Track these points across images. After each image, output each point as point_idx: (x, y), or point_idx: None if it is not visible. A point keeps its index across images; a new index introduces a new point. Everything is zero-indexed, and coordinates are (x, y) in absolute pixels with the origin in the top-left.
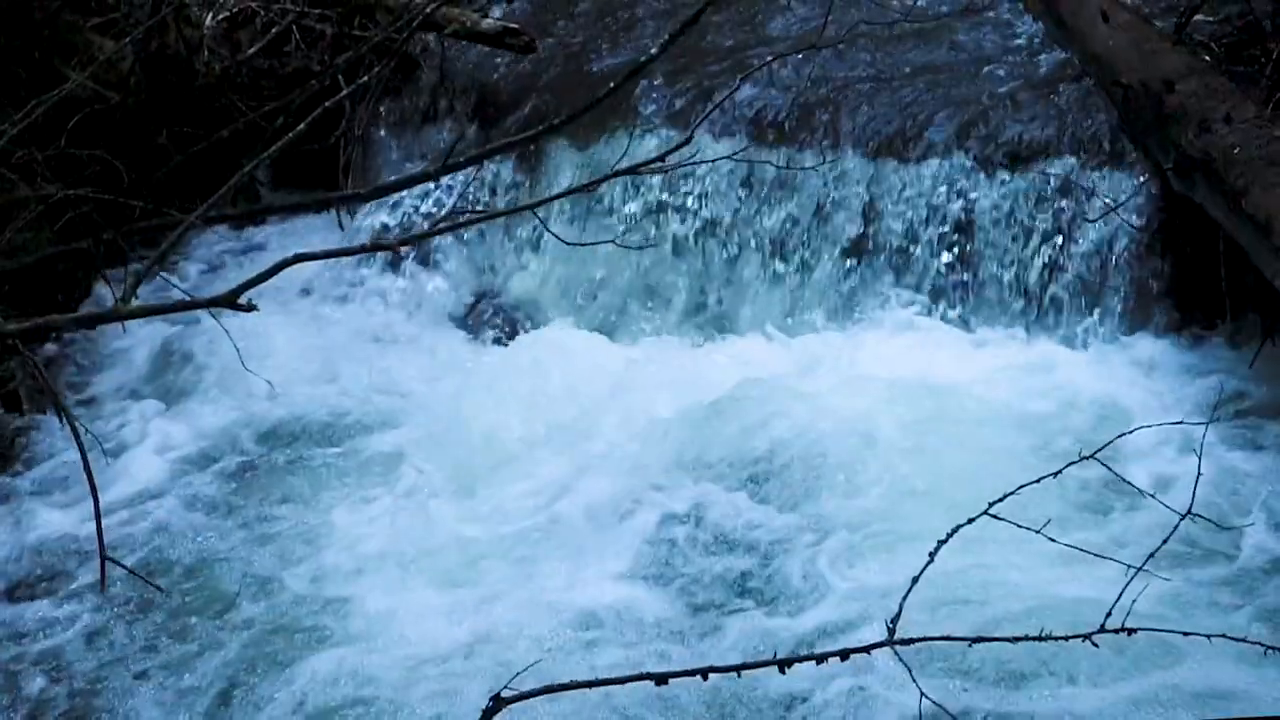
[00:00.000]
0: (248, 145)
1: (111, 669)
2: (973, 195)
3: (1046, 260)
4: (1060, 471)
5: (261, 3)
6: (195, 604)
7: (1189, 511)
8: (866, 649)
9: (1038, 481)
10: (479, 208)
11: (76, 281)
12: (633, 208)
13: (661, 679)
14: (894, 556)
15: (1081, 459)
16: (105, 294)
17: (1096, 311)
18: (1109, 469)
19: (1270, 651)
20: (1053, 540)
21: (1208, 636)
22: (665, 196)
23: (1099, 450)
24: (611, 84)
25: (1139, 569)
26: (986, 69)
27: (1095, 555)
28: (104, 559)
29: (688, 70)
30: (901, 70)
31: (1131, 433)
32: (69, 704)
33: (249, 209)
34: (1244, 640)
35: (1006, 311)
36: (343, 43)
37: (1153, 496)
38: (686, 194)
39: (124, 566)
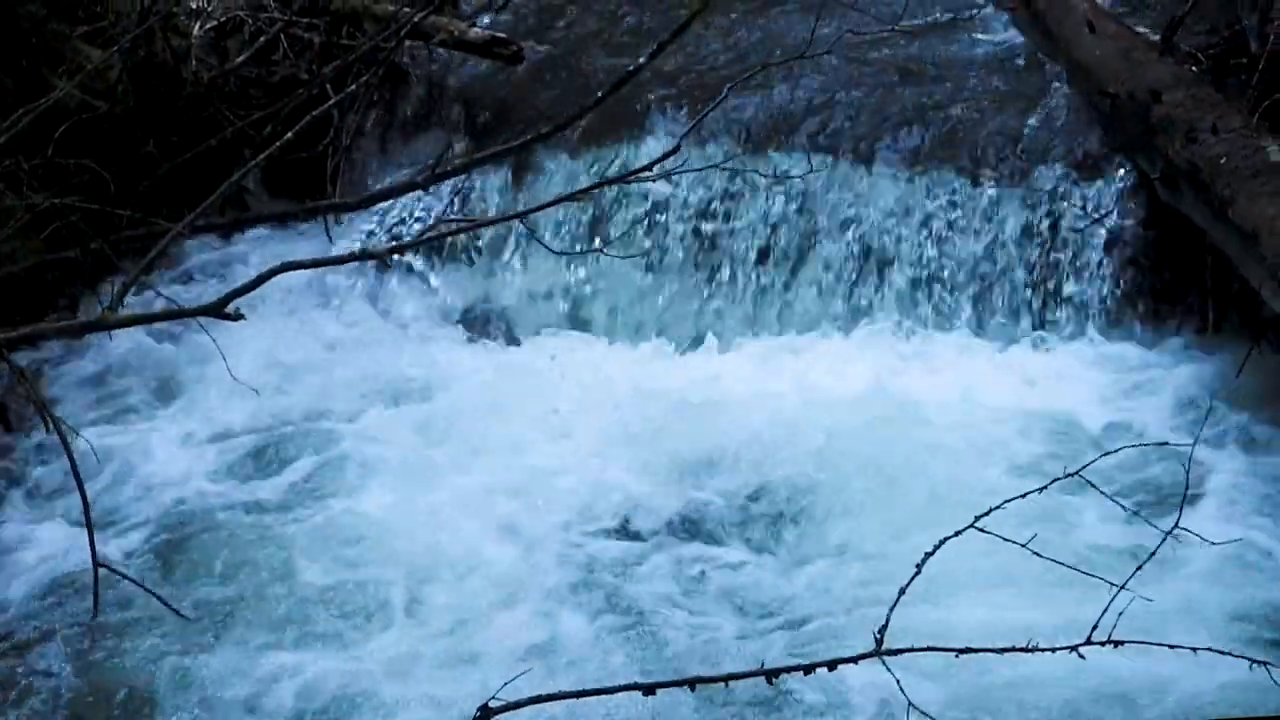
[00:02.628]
0: (236, 154)
1: (105, 677)
2: (958, 204)
3: (1032, 269)
4: (1047, 487)
5: (250, 12)
6: (188, 611)
7: (1175, 525)
8: (854, 659)
9: (1023, 496)
10: (468, 216)
11: (64, 291)
12: (621, 216)
13: (649, 689)
14: (880, 568)
15: (1067, 475)
16: (93, 303)
17: (1082, 321)
18: (1095, 487)
19: (1256, 666)
20: (1038, 555)
21: (1193, 650)
22: (653, 205)
23: (1085, 466)
24: (600, 92)
25: (1124, 584)
26: (973, 79)
27: (1081, 571)
28: (96, 565)
29: (676, 79)
30: (888, 79)
31: (1117, 451)
32: (63, 713)
33: (237, 217)
34: (1230, 654)
35: (991, 321)
36: (331, 51)
37: (1137, 514)
38: (674, 202)
39: (118, 572)
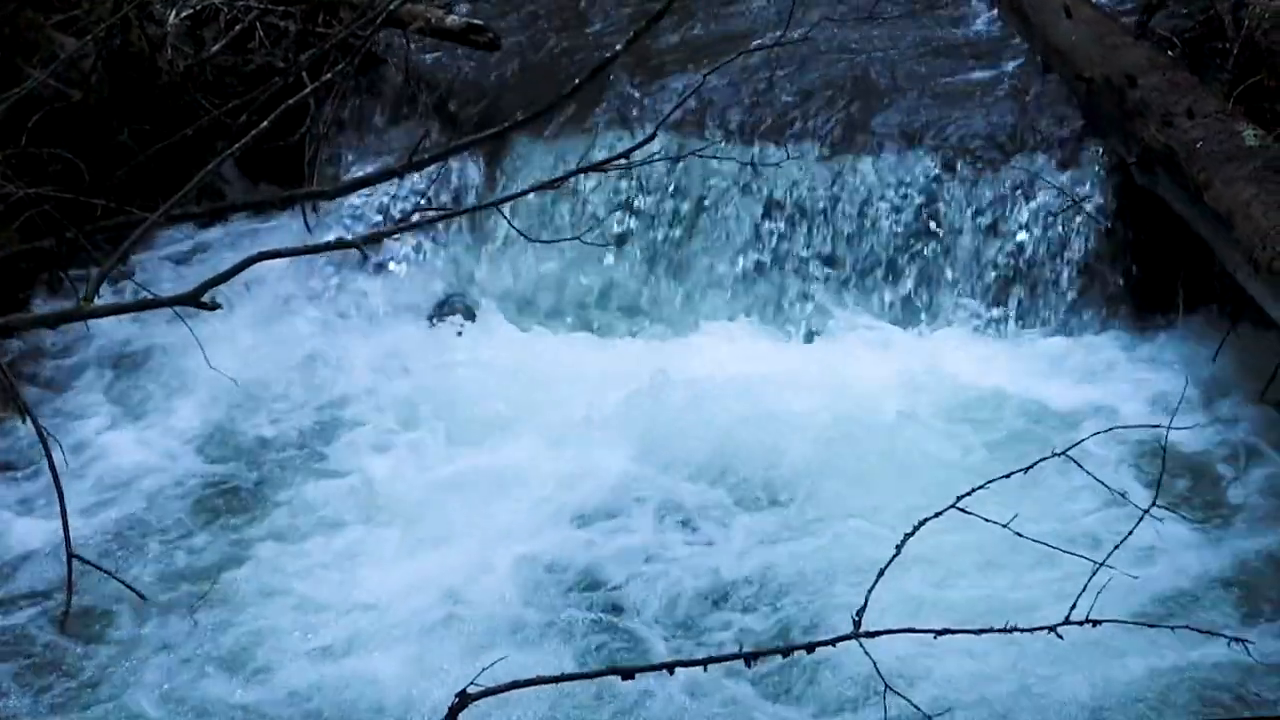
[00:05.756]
0: (211, 143)
1: (80, 669)
2: (935, 191)
3: (1007, 256)
4: (1030, 468)
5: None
6: (163, 602)
7: (1153, 504)
8: (832, 641)
9: (1007, 476)
10: (444, 205)
11: (39, 281)
12: (598, 204)
13: (628, 673)
14: (858, 550)
15: (1053, 455)
16: (68, 293)
17: (1059, 307)
18: (1080, 466)
19: (1234, 643)
20: (1019, 535)
21: (1171, 628)
22: (629, 193)
23: (1070, 449)
24: (577, 80)
25: (1102, 563)
26: (950, 64)
27: (1061, 550)
28: (70, 557)
29: (652, 66)
30: (866, 65)
31: (1102, 433)
32: (40, 703)
33: (213, 207)
34: (1209, 632)
35: (966, 307)
36: (307, 40)
37: (1121, 495)
38: (651, 190)
39: (92, 564)
